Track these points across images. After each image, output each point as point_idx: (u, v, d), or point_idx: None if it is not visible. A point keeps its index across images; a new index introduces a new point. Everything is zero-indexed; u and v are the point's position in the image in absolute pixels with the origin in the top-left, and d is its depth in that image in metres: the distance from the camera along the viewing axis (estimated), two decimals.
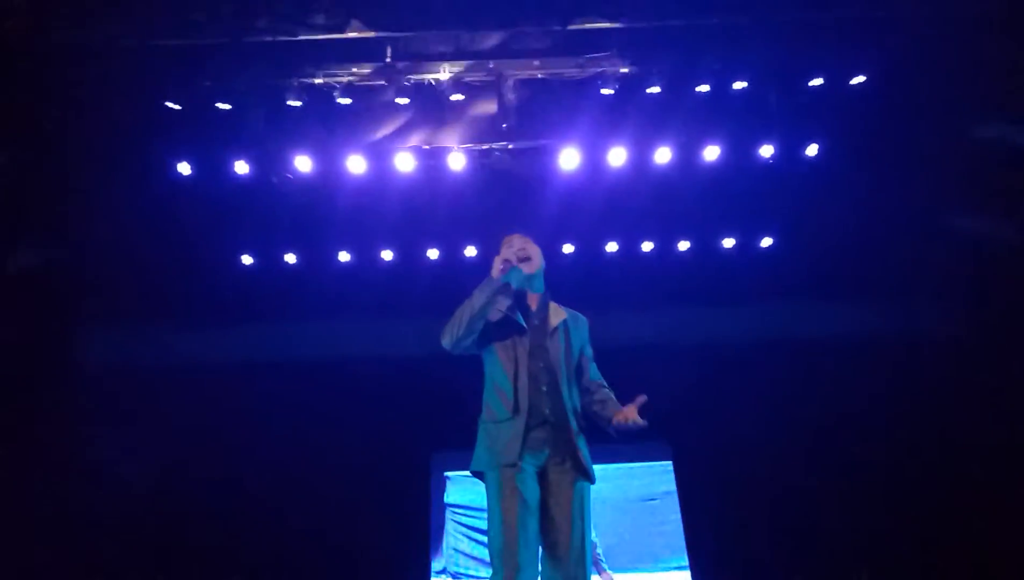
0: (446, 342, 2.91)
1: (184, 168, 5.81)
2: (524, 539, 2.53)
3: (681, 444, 6.88)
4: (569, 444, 2.70)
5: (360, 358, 7.11)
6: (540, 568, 2.61)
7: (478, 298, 2.81)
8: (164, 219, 6.16)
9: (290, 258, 6.81)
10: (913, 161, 6.09)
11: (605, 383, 2.99)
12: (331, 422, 6.68)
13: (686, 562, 6.37)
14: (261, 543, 6.40)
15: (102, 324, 6.90)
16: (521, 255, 2.91)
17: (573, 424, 2.73)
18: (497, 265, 2.83)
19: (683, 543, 6.44)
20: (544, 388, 2.77)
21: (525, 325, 2.89)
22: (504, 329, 2.91)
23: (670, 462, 6.80)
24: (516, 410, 2.72)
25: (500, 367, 2.87)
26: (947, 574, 5.92)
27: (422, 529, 6.60)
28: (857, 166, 6.20)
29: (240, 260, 6.76)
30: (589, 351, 3.04)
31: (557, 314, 2.98)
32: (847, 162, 6.17)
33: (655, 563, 6.45)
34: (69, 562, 5.94)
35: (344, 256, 6.85)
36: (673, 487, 6.68)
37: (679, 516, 6.55)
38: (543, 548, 2.65)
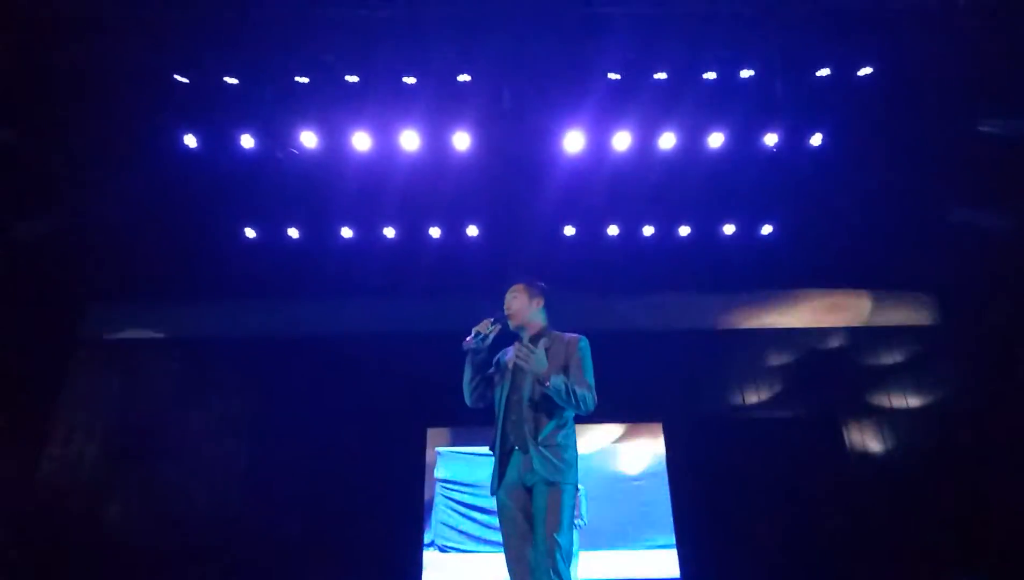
0: (468, 402, 3.39)
1: (191, 141, 5.83)
2: (513, 554, 3.01)
3: (672, 425, 6.97)
4: (530, 461, 3.05)
5: (359, 334, 7.16)
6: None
7: (467, 367, 3.32)
8: (170, 191, 6.18)
9: (293, 233, 6.85)
10: (916, 154, 6.10)
11: (586, 385, 3.14)
12: (330, 396, 6.75)
13: (673, 541, 6.49)
14: (255, 511, 6.51)
15: (105, 295, 6.97)
16: (507, 312, 3.35)
17: (531, 446, 3.07)
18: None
19: (671, 522, 6.54)
20: (513, 418, 3.19)
21: (508, 368, 3.30)
22: (497, 375, 3.39)
23: (661, 440, 6.89)
24: (493, 446, 3.22)
25: (494, 408, 3.33)
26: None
27: (416, 503, 6.70)
28: (860, 157, 6.22)
29: (243, 233, 6.80)
30: (577, 360, 3.23)
31: (545, 344, 3.25)
32: (850, 153, 6.18)
33: (642, 542, 6.56)
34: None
35: (347, 232, 6.88)
36: (663, 467, 6.77)
37: (668, 496, 6.65)
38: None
